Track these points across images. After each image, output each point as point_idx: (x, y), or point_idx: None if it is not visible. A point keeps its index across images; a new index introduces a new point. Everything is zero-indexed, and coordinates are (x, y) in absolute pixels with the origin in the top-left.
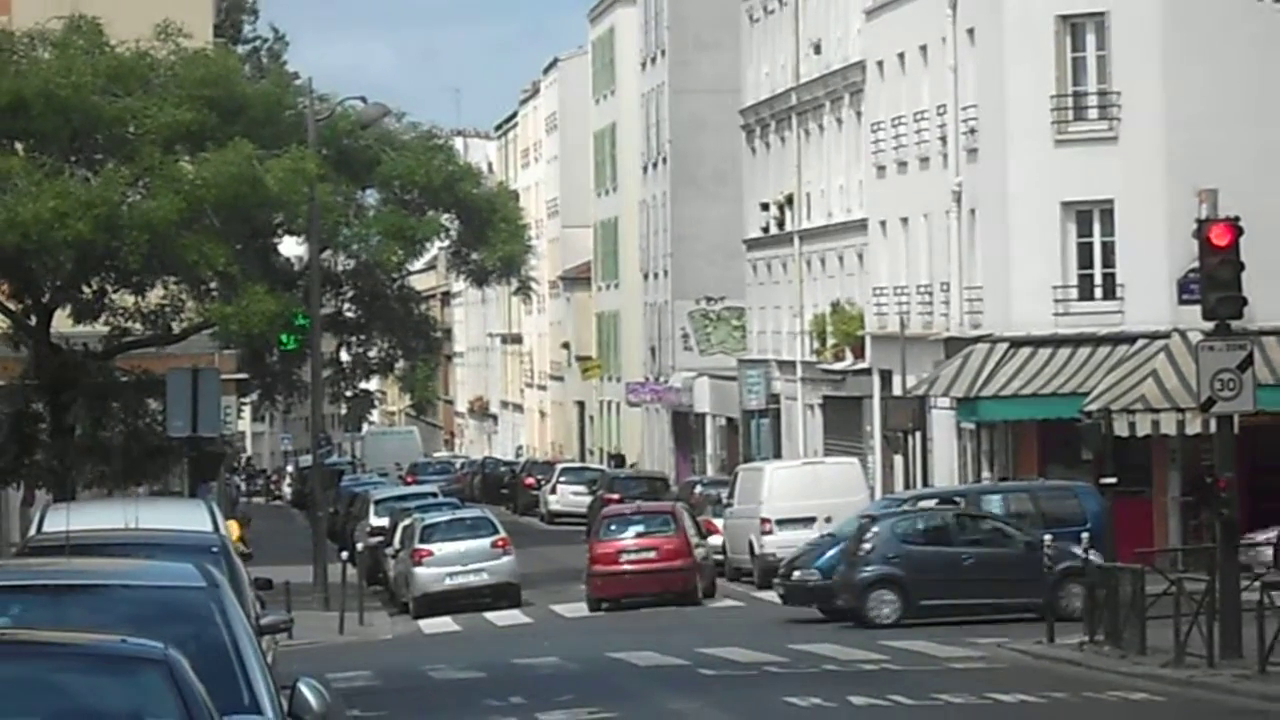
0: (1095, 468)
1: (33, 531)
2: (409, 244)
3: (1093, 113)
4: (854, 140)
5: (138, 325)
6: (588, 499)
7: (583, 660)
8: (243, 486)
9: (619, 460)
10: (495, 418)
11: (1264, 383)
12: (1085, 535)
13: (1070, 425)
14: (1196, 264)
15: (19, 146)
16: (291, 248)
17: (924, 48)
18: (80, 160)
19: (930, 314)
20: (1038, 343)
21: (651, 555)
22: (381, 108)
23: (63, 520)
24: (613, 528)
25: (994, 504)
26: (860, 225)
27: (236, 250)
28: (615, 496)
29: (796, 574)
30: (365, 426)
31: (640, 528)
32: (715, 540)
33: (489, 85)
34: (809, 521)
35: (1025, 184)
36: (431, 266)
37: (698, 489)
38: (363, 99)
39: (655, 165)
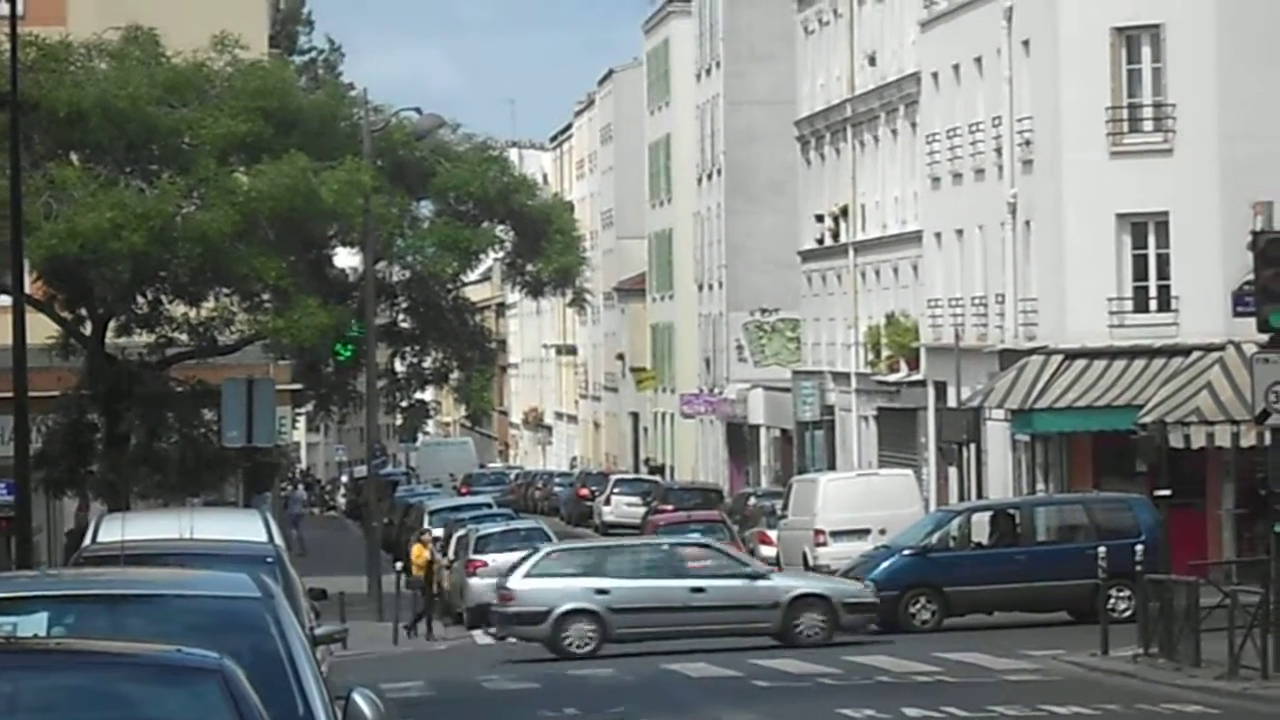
0: (1150, 480)
1: (87, 541)
2: (464, 255)
3: (1148, 125)
4: (909, 152)
5: (184, 336)
6: (642, 510)
7: (636, 671)
8: (305, 497)
9: (658, 470)
10: (550, 429)
11: None
12: (1139, 548)
13: (1125, 437)
14: (1251, 276)
15: (75, 157)
16: (346, 259)
17: (979, 59)
18: (136, 171)
19: (985, 326)
20: (1092, 354)
21: None
22: (436, 119)
23: (118, 530)
24: (667, 536)
25: (1047, 515)
26: (915, 237)
27: (290, 262)
28: (669, 508)
29: None
30: (420, 437)
31: (696, 535)
32: (769, 551)
33: (544, 96)
34: (863, 533)
35: (1080, 196)
36: (486, 278)
37: (752, 500)
38: (418, 110)
39: (710, 176)
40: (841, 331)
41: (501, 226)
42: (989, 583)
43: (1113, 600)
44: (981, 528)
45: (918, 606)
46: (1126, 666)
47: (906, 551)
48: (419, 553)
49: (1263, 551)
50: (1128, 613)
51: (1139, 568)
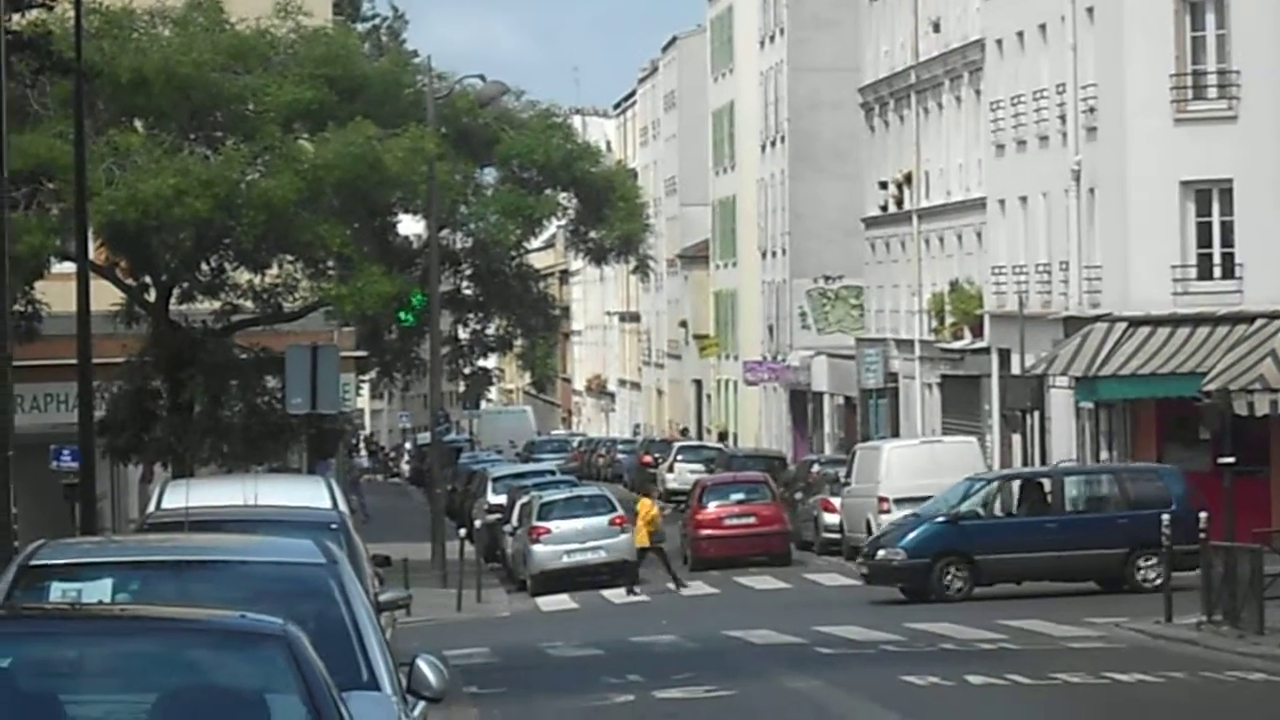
0: (1214, 447)
1: (152, 508)
2: (527, 222)
3: (1212, 92)
4: (973, 119)
5: (248, 303)
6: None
7: (700, 638)
8: (366, 463)
9: (722, 436)
10: (613, 396)
11: None
12: (1167, 517)
13: (1189, 405)
14: None
15: (139, 124)
16: (410, 226)
17: (1043, 26)
18: (200, 138)
19: (1049, 293)
20: (1156, 322)
21: (752, 520)
22: (500, 86)
23: (182, 497)
24: (714, 495)
25: (1077, 485)
26: (979, 204)
27: (354, 229)
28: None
29: (881, 553)
30: (483, 404)
31: (741, 495)
32: (832, 519)
33: (607, 63)
34: (926, 500)
35: (1144, 163)
36: (550, 245)
37: (815, 468)
38: (481, 77)
39: (773, 143)
40: (905, 299)
41: (565, 194)
42: (1019, 551)
43: (1142, 570)
44: (1009, 496)
45: (949, 575)
46: (1190, 634)
47: (939, 519)
48: (648, 508)
49: None
50: (1157, 581)
51: (1164, 535)
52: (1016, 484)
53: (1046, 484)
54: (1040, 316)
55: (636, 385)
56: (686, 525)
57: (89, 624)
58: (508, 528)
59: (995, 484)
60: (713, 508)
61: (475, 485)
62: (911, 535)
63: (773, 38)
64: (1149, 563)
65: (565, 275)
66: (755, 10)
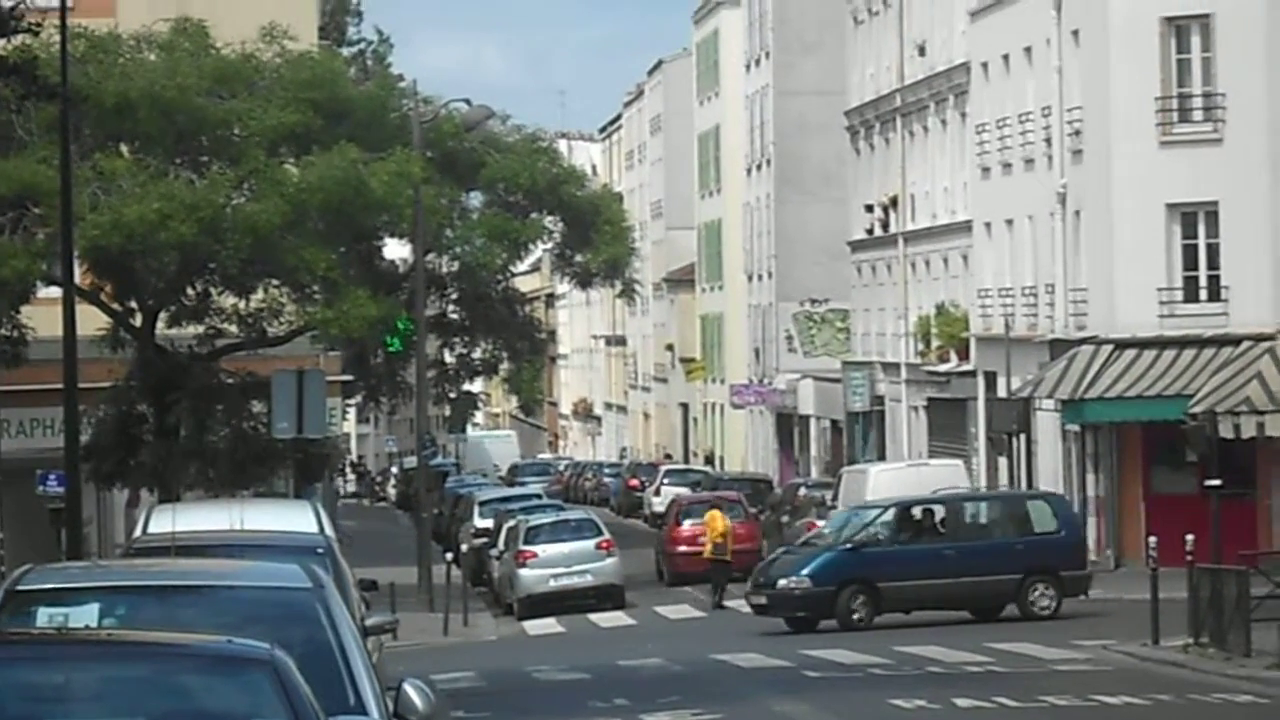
0: (1200, 470)
1: (138, 532)
2: (513, 246)
3: (1197, 114)
4: (958, 142)
5: (234, 328)
6: None
7: (686, 662)
8: (344, 489)
9: (709, 461)
10: (599, 419)
11: None
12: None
13: (1175, 427)
14: None
15: (124, 148)
16: (395, 250)
17: (1028, 49)
18: (185, 162)
19: (1035, 316)
20: (1142, 344)
21: None
22: (485, 110)
23: (168, 521)
24: (690, 514)
25: (972, 511)
26: (965, 227)
27: (340, 253)
28: None
29: (782, 582)
30: (469, 429)
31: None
32: None
33: (594, 87)
34: None
35: (1130, 186)
36: (536, 269)
37: (802, 491)
38: (467, 101)
39: (759, 167)
40: (891, 322)
41: (550, 217)
42: (921, 578)
43: (1032, 597)
44: (906, 523)
45: (857, 602)
46: (1177, 656)
47: (843, 547)
48: (716, 519)
49: None
50: (1049, 609)
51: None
52: (904, 510)
53: (939, 511)
54: (1026, 339)
55: (623, 409)
56: (663, 542)
57: (75, 649)
58: (494, 552)
59: (887, 511)
60: (688, 525)
61: (462, 509)
62: (814, 564)
63: (758, 61)
64: (1039, 590)
65: (551, 299)
66: (741, 34)
